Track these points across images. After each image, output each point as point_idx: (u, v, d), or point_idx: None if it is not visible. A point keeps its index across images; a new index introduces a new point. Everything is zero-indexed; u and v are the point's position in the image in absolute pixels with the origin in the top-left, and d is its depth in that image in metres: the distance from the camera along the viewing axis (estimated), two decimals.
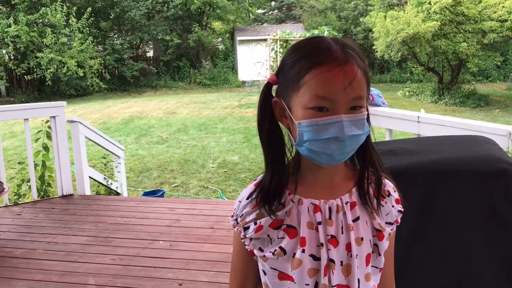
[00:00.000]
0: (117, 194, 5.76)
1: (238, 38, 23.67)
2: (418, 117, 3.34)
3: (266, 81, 1.01)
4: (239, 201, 1.01)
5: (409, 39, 15.14)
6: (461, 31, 15.10)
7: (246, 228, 0.99)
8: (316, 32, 18.43)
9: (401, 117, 3.51)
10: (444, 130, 3.00)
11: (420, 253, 1.39)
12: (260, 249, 0.98)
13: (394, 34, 15.26)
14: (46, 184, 4.92)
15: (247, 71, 23.20)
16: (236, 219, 1.01)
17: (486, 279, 1.32)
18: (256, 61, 23.23)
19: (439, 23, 14.71)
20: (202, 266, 3.30)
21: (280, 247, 0.96)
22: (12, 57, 18.48)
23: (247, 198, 1.00)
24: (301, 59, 0.92)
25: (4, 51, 18.06)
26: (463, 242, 1.38)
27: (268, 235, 0.97)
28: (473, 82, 18.44)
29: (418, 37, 14.90)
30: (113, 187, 5.62)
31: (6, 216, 4.35)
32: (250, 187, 1.01)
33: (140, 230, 4.01)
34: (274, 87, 1.00)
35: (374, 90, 3.79)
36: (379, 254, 1.01)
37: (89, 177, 5.10)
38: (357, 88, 0.89)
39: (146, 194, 6.30)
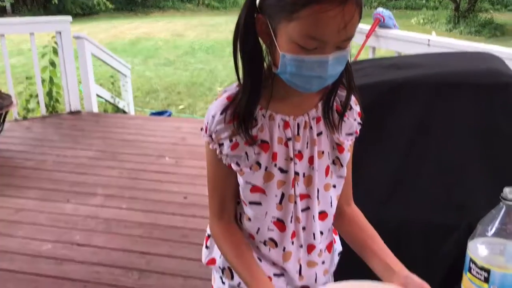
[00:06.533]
0: (124, 113, 5.81)
1: None
2: (429, 40, 3.27)
3: None
4: (212, 116, 0.97)
5: None
6: None
7: (220, 145, 0.98)
8: None
9: (411, 39, 3.43)
10: None
11: (417, 164, 1.43)
12: (237, 164, 0.99)
13: None
14: (54, 100, 4.97)
15: None
16: (211, 135, 0.98)
17: (478, 190, 1.36)
18: None
19: None
20: (207, 182, 3.40)
21: (257, 162, 0.98)
22: None
23: (221, 113, 0.96)
24: None
25: None
26: (461, 155, 1.41)
27: (246, 153, 0.98)
28: (491, 11, 17.77)
29: None
30: (120, 105, 5.67)
31: (16, 129, 4.44)
32: (222, 101, 0.97)
33: (146, 146, 4.10)
34: None
35: (385, 12, 3.68)
36: (342, 166, 1.05)
37: (97, 95, 5.13)
38: (351, 30, 0.85)
39: (153, 114, 6.35)
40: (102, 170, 3.61)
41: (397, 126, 1.39)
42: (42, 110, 4.77)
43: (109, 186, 3.37)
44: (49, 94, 4.92)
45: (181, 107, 7.56)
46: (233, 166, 1.00)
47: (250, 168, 0.99)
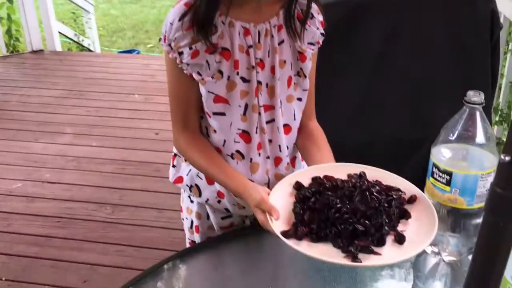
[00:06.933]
0: (90, 51, 5.60)
1: None
2: None
3: None
4: (170, 23, 0.93)
5: None
6: None
7: (180, 53, 0.94)
8: None
9: None
10: None
11: (384, 80, 1.42)
12: (199, 73, 0.96)
13: None
14: (14, 38, 4.73)
15: None
16: (170, 44, 0.94)
17: (445, 104, 1.37)
18: None
19: None
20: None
21: (219, 71, 0.96)
22: None
23: (179, 20, 0.92)
24: None
25: None
26: (428, 70, 1.41)
27: (207, 61, 0.95)
28: None
29: None
30: (85, 44, 5.44)
31: None
32: (180, 7, 0.93)
33: (115, 84, 4.00)
34: None
35: None
36: (305, 77, 1.03)
37: (59, 32, 4.91)
38: None
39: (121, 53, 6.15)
40: (69, 109, 3.52)
41: (364, 43, 1.37)
42: (2, 50, 4.56)
43: (77, 125, 3.30)
44: (8, 32, 4.67)
45: (149, 45, 7.34)
46: (195, 76, 0.97)
47: (212, 77, 0.96)
